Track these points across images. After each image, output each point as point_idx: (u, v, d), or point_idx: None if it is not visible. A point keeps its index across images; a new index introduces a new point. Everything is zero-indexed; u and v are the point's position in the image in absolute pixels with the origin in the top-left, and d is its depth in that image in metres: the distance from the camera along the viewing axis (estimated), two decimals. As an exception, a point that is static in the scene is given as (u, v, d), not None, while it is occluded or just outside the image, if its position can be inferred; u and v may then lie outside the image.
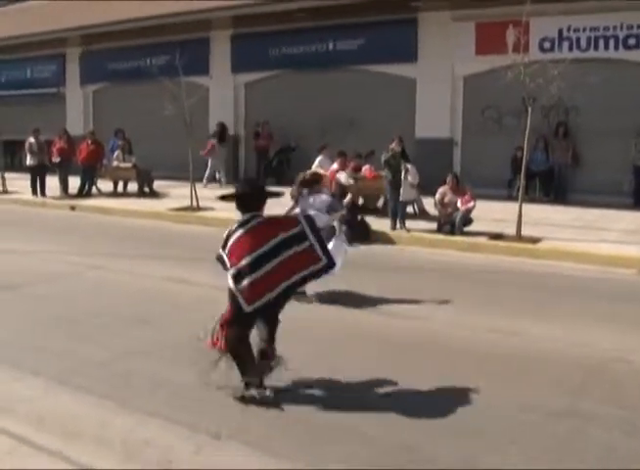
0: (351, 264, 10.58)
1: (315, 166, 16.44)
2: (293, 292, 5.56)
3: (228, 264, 5.33)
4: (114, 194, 19.36)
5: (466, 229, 12.69)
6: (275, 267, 5.27)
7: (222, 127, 21.59)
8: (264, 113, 21.68)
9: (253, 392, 5.39)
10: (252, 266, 5.23)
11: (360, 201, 15.32)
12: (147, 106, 21.93)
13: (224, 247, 5.42)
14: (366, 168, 15.25)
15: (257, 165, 22.06)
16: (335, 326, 7.56)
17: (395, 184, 13.09)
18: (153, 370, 6.16)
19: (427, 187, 14.21)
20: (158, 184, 19.27)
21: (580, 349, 6.71)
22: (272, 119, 21.40)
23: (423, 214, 14.54)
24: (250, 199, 5.53)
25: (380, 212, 14.58)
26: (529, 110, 12.22)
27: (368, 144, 16.78)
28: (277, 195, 5.81)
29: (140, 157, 19.81)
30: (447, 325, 7.60)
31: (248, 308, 5.26)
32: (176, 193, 18.25)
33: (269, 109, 21.62)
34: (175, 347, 6.81)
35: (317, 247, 5.45)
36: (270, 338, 5.63)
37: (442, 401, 5.49)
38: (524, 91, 11.97)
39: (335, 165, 15.36)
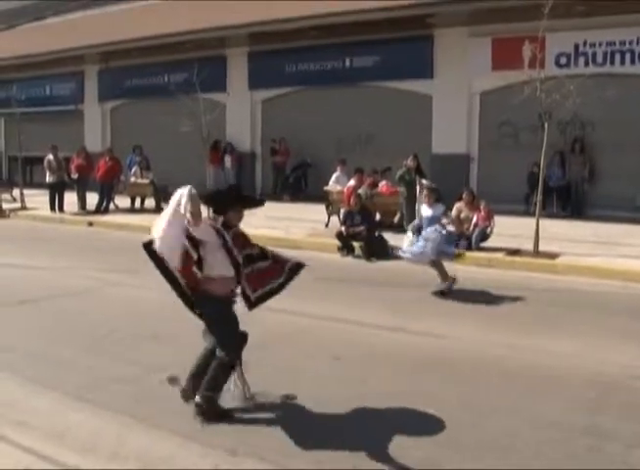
0: (369, 280, 10.59)
1: (332, 183, 16.51)
2: None
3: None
4: (132, 210, 19.45)
5: (483, 245, 12.64)
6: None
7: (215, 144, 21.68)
8: (281, 129, 21.76)
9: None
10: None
11: (377, 216, 15.31)
12: (164, 122, 22.10)
13: None
14: (383, 184, 15.27)
15: (274, 181, 22.13)
16: (349, 344, 7.54)
17: (410, 200, 13.09)
18: (171, 388, 6.13)
19: (443, 203, 14.16)
20: (175, 200, 19.29)
21: (599, 366, 6.64)
22: (289, 136, 21.48)
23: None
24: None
25: (397, 228, 14.55)
26: (546, 125, 12.18)
27: (384, 160, 16.82)
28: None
29: (157, 173, 19.92)
30: (465, 342, 7.55)
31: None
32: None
33: (286, 125, 21.70)
34: (190, 362, 6.79)
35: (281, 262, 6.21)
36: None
37: (460, 418, 5.44)
38: (540, 107, 11.95)
39: (352, 182, 15.39)
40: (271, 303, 9.07)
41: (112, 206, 19.64)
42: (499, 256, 12.17)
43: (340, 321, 8.42)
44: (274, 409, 5.64)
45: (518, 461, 4.77)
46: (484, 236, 12.67)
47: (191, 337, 7.74)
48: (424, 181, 13.15)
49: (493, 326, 8.11)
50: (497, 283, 10.68)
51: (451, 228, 10.56)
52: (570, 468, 4.66)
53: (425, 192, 10.49)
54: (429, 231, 9.99)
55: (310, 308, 8.91)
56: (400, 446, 4.96)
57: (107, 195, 19.30)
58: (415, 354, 7.12)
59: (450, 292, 9.74)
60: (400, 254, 10.44)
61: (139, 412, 5.57)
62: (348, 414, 5.54)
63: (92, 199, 19.12)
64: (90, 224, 17.66)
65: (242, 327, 5.71)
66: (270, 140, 22.07)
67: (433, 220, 10.12)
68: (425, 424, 5.38)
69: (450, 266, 11.91)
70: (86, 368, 6.65)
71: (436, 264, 9.97)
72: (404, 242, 10.21)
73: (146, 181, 19.51)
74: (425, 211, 10.29)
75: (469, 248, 12.53)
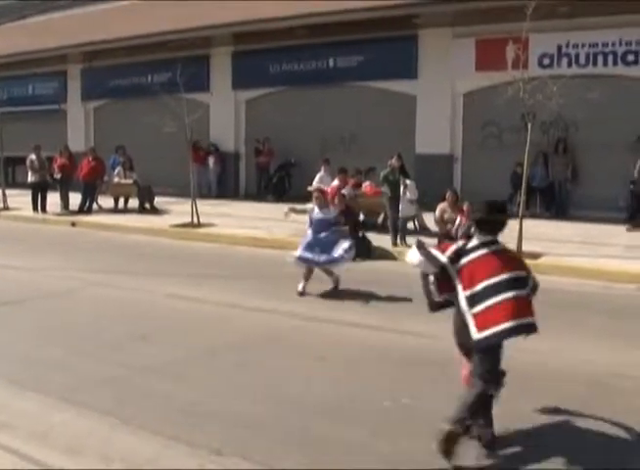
0: (353, 281, 10.61)
1: (316, 183, 16.53)
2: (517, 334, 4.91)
3: (460, 285, 5.00)
4: (115, 210, 19.38)
5: (466, 245, 12.69)
6: (508, 301, 4.82)
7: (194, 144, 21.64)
8: (265, 129, 21.76)
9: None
10: (489, 292, 4.85)
11: (361, 217, 15.35)
12: (148, 122, 22.01)
13: (453, 261, 5.06)
14: (366, 185, 15.31)
15: (258, 182, 22.14)
16: (334, 344, 7.57)
17: (394, 200, 13.13)
18: (156, 388, 6.16)
19: (427, 203, 14.25)
20: (158, 200, 19.29)
21: (583, 364, 6.71)
22: (272, 136, 21.48)
23: (423, 230, 14.56)
24: (500, 224, 5.17)
25: (381, 229, 14.60)
26: (529, 126, 12.25)
27: (368, 160, 16.85)
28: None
29: (141, 173, 19.85)
30: (452, 341, 7.57)
31: (476, 335, 4.85)
32: (177, 209, 18.27)
33: (270, 125, 21.70)
34: (177, 364, 6.83)
35: (531, 298, 5.05)
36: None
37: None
38: (523, 107, 12.02)
39: (335, 182, 15.42)
40: (254, 303, 9.17)
41: (95, 206, 19.55)
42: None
43: (324, 321, 8.45)
44: (261, 408, 5.67)
45: (510, 462, 4.83)
46: (468, 237, 12.70)
47: (177, 337, 7.79)
48: (408, 182, 13.20)
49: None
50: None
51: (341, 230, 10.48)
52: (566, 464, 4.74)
53: (315, 194, 10.30)
54: (322, 236, 9.92)
55: (294, 309, 8.94)
56: (388, 447, 5.01)
57: (90, 195, 19.22)
58: (402, 354, 7.16)
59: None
60: (291, 258, 9.98)
61: (124, 413, 5.57)
62: (335, 414, 5.58)
63: (75, 199, 19.04)
64: (73, 225, 17.59)
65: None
66: (254, 140, 22.07)
67: (323, 224, 10.01)
68: (413, 424, 5.42)
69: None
70: (71, 369, 6.64)
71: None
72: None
73: (129, 181, 19.44)
74: (315, 213, 10.13)
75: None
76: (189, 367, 6.77)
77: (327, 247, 9.83)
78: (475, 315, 4.86)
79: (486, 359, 4.90)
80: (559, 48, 17.32)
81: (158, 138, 21.82)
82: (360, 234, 13.21)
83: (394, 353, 7.17)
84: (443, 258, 5.09)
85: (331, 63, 20.80)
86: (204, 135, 21.84)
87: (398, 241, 13.15)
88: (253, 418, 5.50)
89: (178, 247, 14.38)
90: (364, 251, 12.87)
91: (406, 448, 4.97)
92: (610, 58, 16.86)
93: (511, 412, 5.54)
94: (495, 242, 5.10)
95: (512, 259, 5.11)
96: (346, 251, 9.90)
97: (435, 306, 5.44)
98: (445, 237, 12.72)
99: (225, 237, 14.63)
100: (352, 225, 13.18)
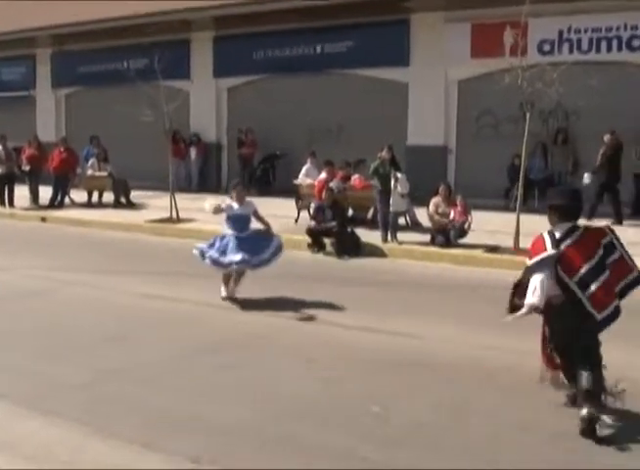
0: (340, 279, 10.62)
1: (302, 176, 16.53)
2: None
3: (565, 275, 5.40)
4: (89, 205, 19.28)
5: (461, 241, 12.73)
6: (608, 278, 5.44)
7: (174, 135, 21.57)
8: (248, 119, 21.70)
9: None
10: (593, 274, 5.39)
11: (350, 211, 15.35)
12: (124, 111, 21.84)
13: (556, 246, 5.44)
14: (355, 178, 15.31)
15: (241, 174, 22.06)
16: (323, 345, 7.57)
17: (385, 194, 13.14)
18: (129, 393, 6.15)
19: (420, 197, 14.27)
20: (135, 194, 19.23)
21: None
22: (256, 126, 21.41)
23: (415, 226, 14.59)
24: (578, 210, 5.75)
25: (370, 224, 14.61)
26: (527, 115, 12.28)
27: (357, 152, 16.85)
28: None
29: (116, 165, 19.75)
30: (442, 343, 7.61)
31: (599, 316, 5.36)
32: (155, 204, 18.22)
33: (253, 115, 21.64)
34: (154, 367, 6.82)
35: (627, 257, 5.67)
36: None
37: (439, 421, 5.52)
38: (521, 96, 12.04)
39: (323, 175, 15.41)
40: (238, 303, 9.16)
41: (67, 200, 19.45)
42: (478, 253, 12.27)
43: (311, 321, 8.46)
44: (242, 413, 5.66)
45: (502, 464, 4.85)
46: (462, 232, 12.76)
47: (153, 339, 7.77)
48: (399, 175, 13.20)
49: (471, 326, 8.18)
50: (475, 281, 10.78)
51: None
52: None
53: (238, 188, 9.66)
54: (246, 236, 9.38)
55: (280, 309, 8.93)
56: (381, 450, 5.01)
57: (61, 188, 19.12)
58: (391, 355, 7.17)
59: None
60: (208, 260, 9.27)
61: (96, 420, 5.54)
62: (321, 420, 5.58)
63: (45, 193, 18.94)
64: (43, 220, 17.51)
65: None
66: (237, 131, 22.02)
67: (243, 220, 9.50)
68: (404, 426, 5.44)
69: (426, 264, 12.02)
70: (40, 374, 6.61)
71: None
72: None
73: (104, 174, 19.34)
74: (235, 209, 9.50)
75: (446, 244, 12.61)
76: (166, 370, 6.76)
77: (255, 247, 9.29)
78: (590, 298, 5.35)
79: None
80: (560, 33, 17.33)
81: (134, 128, 21.68)
82: (349, 230, 13.23)
83: (384, 355, 7.18)
84: (552, 250, 5.44)
85: (318, 49, 20.76)
86: (183, 125, 21.78)
87: (389, 237, 13.15)
88: (234, 424, 5.49)
89: (156, 244, 14.34)
90: (353, 247, 12.91)
91: (395, 456, 4.97)
92: (614, 43, 16.86)
93: (505, 414, 5.56)
94: (578, 226, 5.61)
95: (593, 234, 5.65)
96: (277, 249, 9.53)
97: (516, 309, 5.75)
98: (439, 232, 12.78)
99: (206, 233, 14.49)
100: (340, 220, 13.21)
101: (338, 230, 13.00)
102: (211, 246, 9.31)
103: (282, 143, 21.14)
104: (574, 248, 5.47)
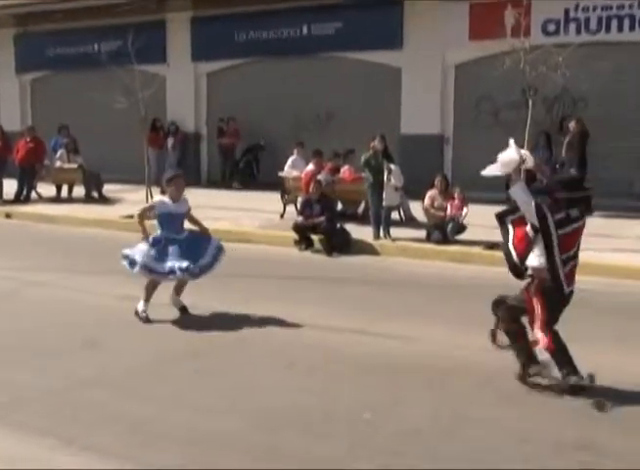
0: (329, 278, 10.64)
1: (288, 168, 16.53)
2: None
3: (557, 249, 6.13)
4: (58, 199, 19.24)
5: (458, 238, 12.78)
6: (576, 262, 6.40)
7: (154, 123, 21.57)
8: (230, 106, 21.70)
9: (574, 379, 6.17)
10: (574, 256, 6.32)
11: (339, 206, 15.38)
12: (95, 98, 21.78)
13: (560, 226, 6.13)
14: (345, 170, 15.32)
15: (222, 167, 22.07)
16: (306, 349, 7.59)
17: (377, 187, 13.15)
18: (104, 401, 6.15)
19: (414, 190, 14.30)
20: (108, 188, 19.20)
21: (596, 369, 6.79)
22: (238, 114, 21.42)
23: (410, 221, 14.63)
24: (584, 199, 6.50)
25: (361, 219, 14.63)
26: (530, 101, 12.33)
27: (347, 142, 16.87)
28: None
29: (87, 157, 19.72)
30: (438, 346, 7.65)
31: (567, 290, 6.28)
32: (129, 198, 18.20)
33: (235, 102, 21.64)
34: (129, 374, 6.82)
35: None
36: None
37: (434, 429, 5.55)
38: (524, 81, 12.10)
39: (310, 166, 15.42)
40: (216, 304, 9.17)
41: (33, 194, 19.42)
42: (476, 250, 12.32)
43: (296, 323, 8.44)
44: (224, 423, 5.68)
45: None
46: (460, 228, 12.81)
47: (130, 344, 7.77)
48: (392, 166, 13.22)
49: (469, 328, 8.19)
50: (473, 280, 10.82)
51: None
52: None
53: (178, 181, 8.85)
54: (184, 238, 8.76)
55: (262, 310, 8.93)
56: (373, 460, 5.04)
57: (27, 182, 19.08)
58: (383, 360, 7.20)
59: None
60: (138, 268, 8.57)
61: (66, 433, 5.54)
62: (307, 428, 5.60)
63: (10, 187, 18.91)
64: (8, 216, 17.45)
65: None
66: (217, 119, 21.99)
67: (179, 219, 8.88)
68: (398, 435, 5.47)
69: (421, 262, 12.06)
70: (6, 383, 6.60)
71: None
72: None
73: (74, 166, 19.29)
74: (171, 207, 8.77)
75: (443, 241, 12.66)
76: (142, 377, 6.77)
77: (196, 251, 8.66)
78: (565, 274, 6.23)
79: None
80: (566, 12, 17.34)
81: (107, 116, 21.64)
82: (338, 225, 13.25)
83: (376, 360, 7.21)
84: (551, 221, 6.12)
85: (304, 30, 20.76)
86: (160, 113, 21.74)
87: (381, 233, 13.18)
88: (217, 433, 5.51)
89: (131, 241, 14.21)
90: (342, 244, 12.94)
91: (389, 466, 5.00)
92: (626, 22, 16.82)
93: (500, 422, 5.61)
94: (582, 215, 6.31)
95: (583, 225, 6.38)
96: (218, 251, 8.84)
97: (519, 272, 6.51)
98: (435, 228, 12.82)
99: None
100: (329, 215, 13.23)
101: (326, 226, 13.02)
102: (142, 250, 8.60)
103: (266, 132, 21.16)
104: (574, 232, 6.24)
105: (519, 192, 6.22)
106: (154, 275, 8.60)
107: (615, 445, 5.33)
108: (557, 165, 17.34)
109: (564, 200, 6.19)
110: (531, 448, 5.27)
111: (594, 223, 14.18)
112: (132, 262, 8.57)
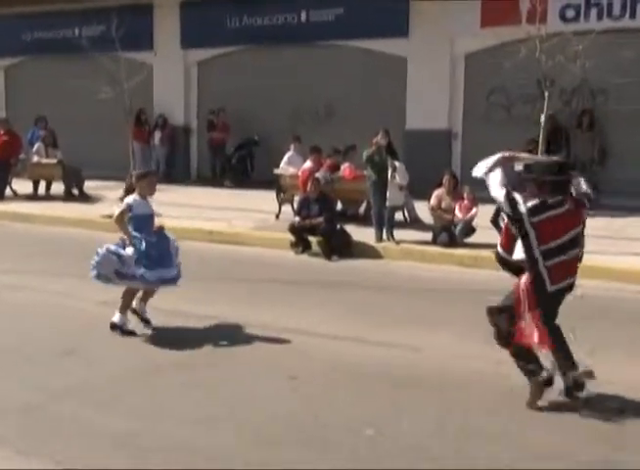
0: (328, 283, 10.65)
1: (284, 164, 16.54)
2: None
3: (535, 242, 6.18)
4: (35, 197, 19.23)
5: (467, 240, 12.80)
6: (572, 258, 6.37)
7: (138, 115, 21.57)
8: (221, 98, 21.70)
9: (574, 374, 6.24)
10: (560, 250, 6.25)
11: (339, 206, 15.40)
12: (76, 87, 21.90)
13: (532, 213, 6.16)
14: (345, 167, 15.31)
15: (212, 163, 22.06)
16: (307, 360, 7.62)
17: (380, 186, 13.16)
18: (83, 415, 6.16)
19: (420, 189, 14.31)
20: (89, 185, 19.19)
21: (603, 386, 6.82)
22: (231, 106, 21.44)
23: (415, 222, 14.63)
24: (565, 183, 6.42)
25: (362, 220, 14.65)
26: (546, 94, 12.32)
27: (348, 137, 16.88)
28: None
29: (67, 151, 19.72)
30: (444, 355, 7.67)
31: (550, 288, 6.24)
32: (113, 196, 18.13)
33: (228, 93, 21.64)
34: (112, 385, 6.83)
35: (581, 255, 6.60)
36: None
37: (440, 445, 5.57)
38: (539, 71, 12.08)
39: (308, 163, 15.43)
40: (210, 311, 9.18)
41: (8, 191, 19.42)
42: (486, 253, 12.28)
43: (294, 332, 8.45)
44: (216, 439, 5.70)
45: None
46: (469, 230, 12.83)
47: (112, 353, 7.78)
48: (396, 163, 13.23)
49: (479, 337, 8.19)
50: (484, 285, 10.78)
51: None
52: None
53: (152, 178, 8.83)
54: (157, 241, 8.54)
55: (259, 317, 8.95)
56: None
57: (2, 177, 19.08)
58: (385, 371, 7.22)
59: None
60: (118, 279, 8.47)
61: (42, 449, 5.53)
62: (306, 445, 5.62)
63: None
64: (-19, 214, 17.48)
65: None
66: (207, 111, 22.00)
67: (151, 220, 8.77)
68: (403, 451, 5.48)
69: (427, 267, 12.07)
70: (-23, 394, 6.61)
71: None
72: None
73: (52, 161, 19.30)
74: (143, 206, 8.60)
75: (451, 244, 12.67)
76: (126, 389, 6.77)
77: (167, 252, 8.58)
78: (548, 269, 6.22)
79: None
80: (587, -4, 17.34)
81: (88, 107, 21.66)
82: (338, 227, 13.26)
83: (378, 371, 7.23)
84: (523, 207, 6.17)
85: (303, 16, 20.79)
86: (147, 104, 21.77)
87: (384, 235, 13.20)
88: (210, 450, 5.52)
89: (112, 241, 14.27)
90: (342, 247, 12.94)
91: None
92: (653, 6, 16.75)
93: (509, 436, 5.63)
94: (566, 200, 6.31)
95: (576, 214, 6.43)
96: (176, 250, 8.73)
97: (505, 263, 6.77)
98: (442, 230, 12.84)
99: (173, 230, 14.49)
100: (329, 216, 13.23)
101: (325, 227, 13.01)
102: (119, 257, 8.35)
103: (261, 126, 21.17)
104: (556, 221, 6.23)
105: (491, 177, 6.39)
106: (141, 284, 8.44)
107: (634, 464, 5.37)
108: (576, 164, 17.40)
109: (548, 183, 6.25)
110: (548, 467, 5.30)
111: (613, 225, 14.32)
112: (107, 276, 8.43)
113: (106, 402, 6.43)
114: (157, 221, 8.99)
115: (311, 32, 20.53)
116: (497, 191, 6.27)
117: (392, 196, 13.15)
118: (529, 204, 6.12)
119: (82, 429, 5.88)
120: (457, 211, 12.87)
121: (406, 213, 14.82)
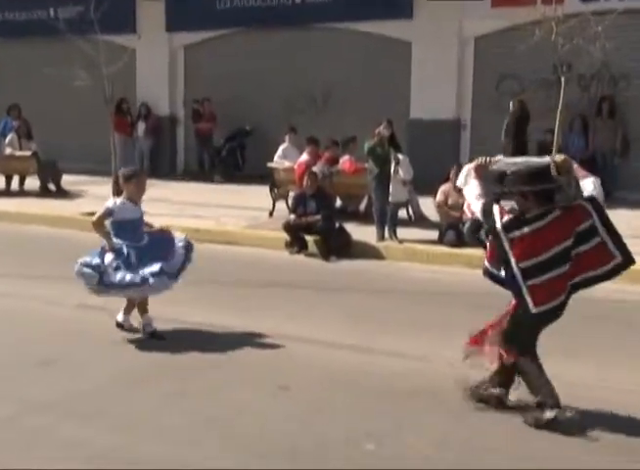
0: (325, 286, 10.67)
1: (278, 157, 16.57)
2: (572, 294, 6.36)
3: (513, 259, 6.16)
4: (7, 193, 19.27)
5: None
6: (560, 276, 6.13)
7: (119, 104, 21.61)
8: (210, 85, 21.73)
9: (549, 414, 6.01)
10: (544, 267, 6.09)
11: (338, 202, 15.42)
12: (51, 74, 21.80)
13: (507, 229, 6.10)
14: (344, 160, 15.34)
15: (200, 155, 22.06)
16: (300, 369, 7.63)
17: (382, 180, 13.17)
18: (59, 429, 6.16)
19: (425, 184, 14.33)
20: (66, 180, 19.20)
21: (614, 393, 6.85)
22: (220, 94, 21.46)
23: (419, 220, 14.67)
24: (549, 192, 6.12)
25: (363, 218, 14.67)
26: (563, 80, 12.31)
27: (347, 127, 16.95)
28: None
29: (43, 143, 19.76)
30: (450, 366, 7.67)
31: (534, 310, 6.16)
32: (93, 192, 18.19)
33: (217, 79, 21.68)
34: (92, 397, 6.84)
35: (610, 243, 6.22)
36: None
37: (449, 462, 5.60)
38: (555, 55, 12.07)
39: (304, 156, 15.46)
40: (197, 317, 9.20)
41: (-21, 187, 19.49)
42: (497, 254, 12.35)
43: (287, 339, 8.46)
44: (203, 453, 5.71)
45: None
46: (478, 227, 12.83)
47: (90, 362, 7.80)
48: (400, 156, 13.24)
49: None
50: (493, 289, 10.79)
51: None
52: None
53: (140, 178, 8.78)
54: (144, 245, 8.55)
55: (250, 323, 8.96)
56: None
57: (-28, 172, 19.15)
58: (387, 381, 7.23)
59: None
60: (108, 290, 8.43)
61: (18, 465, 5.53)
62: (302, 461, 5.62)
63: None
64: (-51, 212, 17.49)
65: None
66: (192, 100, 21.99)
67: (140, 224, 8.76)
68: (406, 467, 5.50)
69: (433, 268, 12.09)
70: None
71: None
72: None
73: (27, 154, 19.31)
74: (129, 210, 8.59)
75: (458, 243, 12.69)
76: (106, 401, 6.77)
77: (162, 253, 8.51)
78: (530, 289, 6.15)
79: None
80: (607, -28, 17.31)
81: (65, 95, 21.72)
82: (336, 224, 13.28)
83: (378, 381, 7.24)
84: (498, 223, 6.14)
85: (298, -4, 20.83)
86: (129, 92, 21.79)
87: (386, 234, 13.23)
88: (192, 465, 5.53)
89: (92, 242, 14.23)
90: (341, 247, 12.96)
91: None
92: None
93: (521, 451, 5.66)
94: (553, 209, 6.09)
95: (568, 219, 6.11)
96: (188, 249, 8.75)
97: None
98: (449, 228, 12.86)
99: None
100: (326, 213, 13.26)
101: (323, 225, 13.04)
102: (95, 268, 8.33)
103: (253, 116, 21.20)
104: (537, 235, 6.06)
105: (466, 191, 6.45)
106: (133, 290, 8.36)
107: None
108: (595, 155, 17.37)
109: (529, 193, 6.07)
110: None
111: (633, 222, 14.30)
112: (96, 287, 8.42)
113: (84, 416, 6.43)
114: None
115: (307, 14, 20.54)
116: (474, 204, 6.34)
117: (395, 191, 13.17)
118: (504, 219, 6.08)
119: (59, 444, 5.89)
120: (465, 208, 12.87)
121: (410, 210, 14.86)
